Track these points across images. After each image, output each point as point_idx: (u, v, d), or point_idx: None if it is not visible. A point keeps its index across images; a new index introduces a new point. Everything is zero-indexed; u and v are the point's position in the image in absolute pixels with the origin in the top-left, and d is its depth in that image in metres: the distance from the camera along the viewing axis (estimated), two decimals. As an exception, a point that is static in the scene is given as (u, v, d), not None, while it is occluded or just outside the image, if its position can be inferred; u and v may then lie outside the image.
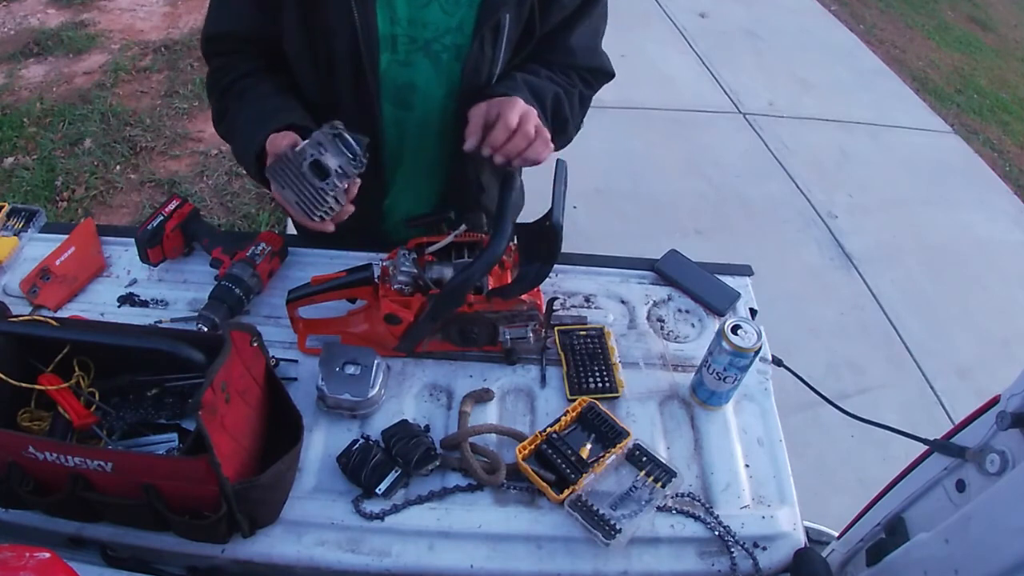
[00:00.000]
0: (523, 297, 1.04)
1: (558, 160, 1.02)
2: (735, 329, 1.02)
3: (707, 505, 0.99)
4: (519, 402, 1.10)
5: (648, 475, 0.98)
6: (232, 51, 1.11)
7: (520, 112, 0.99)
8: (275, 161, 0.93)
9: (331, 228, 0.97)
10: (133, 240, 1.16)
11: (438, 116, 1.13)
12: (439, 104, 1.11)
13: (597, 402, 1.05)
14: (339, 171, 0.91)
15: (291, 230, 2.30)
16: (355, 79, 1.05)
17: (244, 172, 3.09)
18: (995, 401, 0.81)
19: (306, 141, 0.91)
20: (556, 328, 1.17)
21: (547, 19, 1.09)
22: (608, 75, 1.26)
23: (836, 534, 1.07)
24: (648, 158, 3.54)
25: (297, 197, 0.92)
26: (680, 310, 1.26)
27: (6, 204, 1.28)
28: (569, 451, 0.99)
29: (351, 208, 0.97)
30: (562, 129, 1.18)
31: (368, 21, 0.99)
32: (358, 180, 0.95)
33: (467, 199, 1.24)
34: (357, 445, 0.98)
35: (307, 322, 1.11)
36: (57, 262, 1.17)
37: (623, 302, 1.25)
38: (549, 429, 1.01)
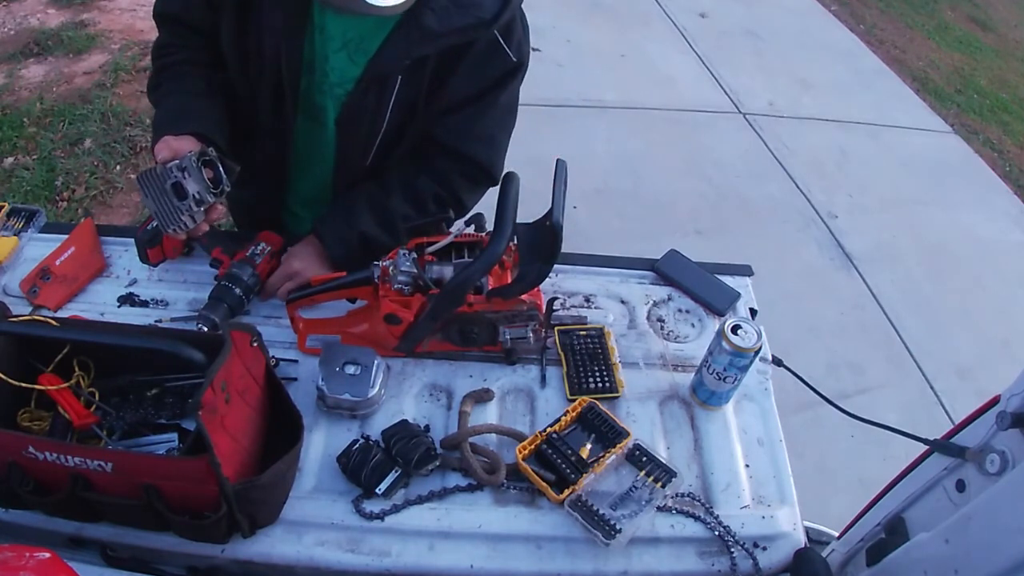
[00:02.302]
0: (523, 297, 1.04)
1: (558, 160, 1.02)
2: (735, 329, 1.02)
3: (707, 505, 0.99)
4: (519, 402, 1.10)
5: (648, 475, 0.98)
6: (176, 33, 1.15)
7: (284, 275, 1.15)
8: (146, 172, 1.01)
9: (183, 237, 1.07)
10: (133, 240, 1.16)
11: (333, 142, 1.19)
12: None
13: (597, 402, 1.05)
14: (196, 196, 1.00)
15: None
16: (275, 95, 1.11)
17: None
18: (995, 401, 0.81)
19: (175, 161, 0.99)
20: (556, 328, 1.17)
21: (439, 95, 1.09)
22: (489, 177, 1.19)
23: (836, 534, 1.07)
24: (648, 158, 3.54)
25: (156, 209, 1.01)
26: (680, 310, 1.26)
27: (6, 204, 1.28)
28: (569, 451, 0.99)
29: (206, 227, 1.06)
30: (379, 248, 1.16)
31: (293, 53, 1.06)
32: (219, 205, 1.05)
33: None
34: (357, 445, 0.98)
35: (307, 322, 1.11)
36: (57, 262, 1.17)
37: (623, 302, 1.25)
38: (549, 429, 1.01)
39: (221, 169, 1.02)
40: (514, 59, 1.09)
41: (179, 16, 1.13)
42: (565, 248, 0.98)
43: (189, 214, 1.01)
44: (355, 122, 1.12)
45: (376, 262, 1.07)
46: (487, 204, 1.07)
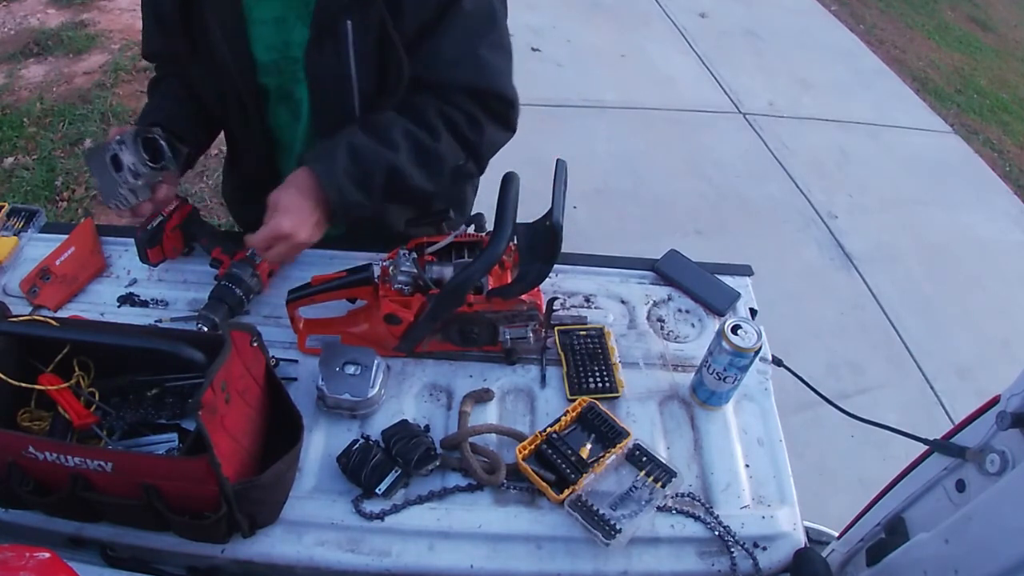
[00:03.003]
0: (523, 297, 1.04)
1: (558, 160, 1.02)
2: (735, 329, 1.02)
3: (707, 505, 0.99)
4: (519, 402, 1.10)
5: (648, 475, 0.98)
6: (162, 64, 1.24)
7: (269, 236, 0.99)
8: (91, 148, 1.07)
9: (128, 218, 1.07)
10: (133, 240, 1.16)
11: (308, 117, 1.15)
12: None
13: (597, 402, 1.05)
14: (131, 168, 1.02)
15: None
16: (239, 102, 1.12)
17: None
18: (995, 401, 0.81)
19: (116, 137, 1.02)
20: (556, 328, 1.17)
21: (402, 24, 1.00)
22: (501, 98, 1.08)
23: (836, 534, 1.07)
24: (648, 158, 3.54)
25: (99, 183, 1.05)
26: (680, 310, 1.26)
27: (6, 204, 1.28)
28: (569, 451, 0.99)
29: (149, 207, 1.07)
30: (408, 196, 1.09)
31: (241, 56, 1.06)
32: (165, 186, 1.07)
33: None
34: (357, 445, 0.98)
35: (307, 322, 1.11)
36: (57, 262, 1.17)
37: (623, 302, 1.25)
38: (549, 429, 1.01)
39: (165, 147, 1.05)
40: None
41: (153, 52, 1.22)
42: (565, 248, 0.98)
43: (128, 188, 1.03)
44: (323, 91, 1.07)
45: (376, 262, 1.07)
46: (487, 204, 1.06)
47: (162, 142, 1.05)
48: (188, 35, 1.07)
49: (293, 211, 1.00)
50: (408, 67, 1.04)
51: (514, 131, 1.15)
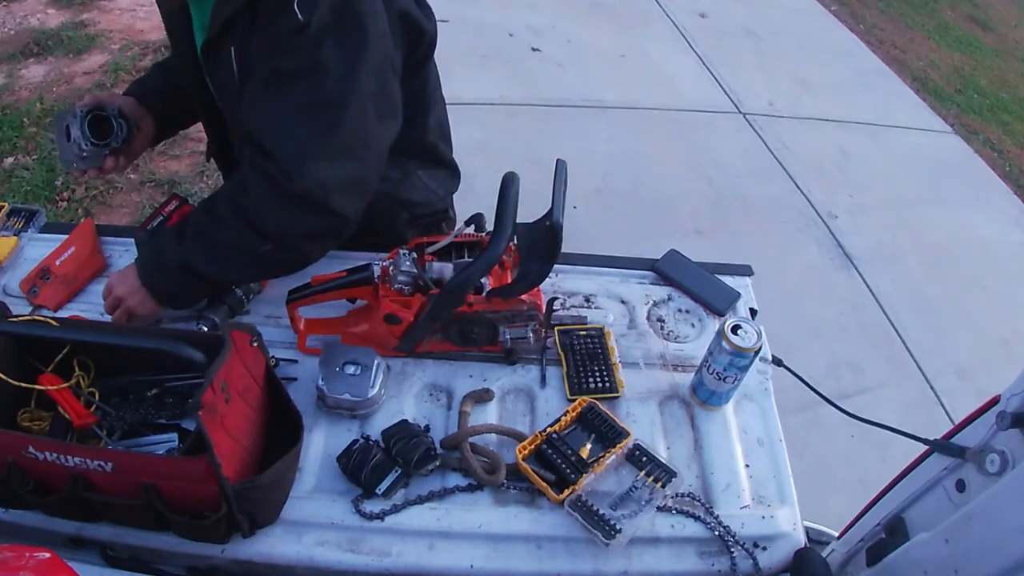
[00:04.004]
0: (523, 297, 1.04)
1: (558, 160, 1.02)
2: (735, 329, 1.02)
3: (707, 505, 0.99)
4: (519, 402, 1.10)
5: (648, 475, 0.98)
6: None
7: (105, 293, 1.09)
8: (57, 115, 1.16)
9: (78, 175, 1.17)
10: (133, 240, 1.16)
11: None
12: None
13: (597, 402, 1.05)
14: (76, 141, 1.12)
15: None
16: (193, 86, 1.16)
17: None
18: (995, 401, 0.81)
19: (74, 109, 1.13)
20: (556, 328, 1.17)
21: (250, 76, 0.97)
22: (275, 167, 0.93)
23: (836, 534, 1.07)
24: (648, 158, 3.54)
25: (58, 146, 1.17)
26: (680, 310, 1.26)
27: (6, 204, 1.28)
28: (569, 451, 0.99)
29: (94, 174, 1.16)
30: (222, 281, 1.09)
31: (181, 41, 1.11)
32: (111, 159, 1.16)
33: None
34: (357, 445, 0.98)
35: (307, 322, 1.11)
36: (57, 262, 1.17)
37: (623, 302, 1.25)
38: (549, 429, 1.01)
39: (114, 125, 1.14)
40: (300, 17, 0.89)
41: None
42: (565, 248, 0.98)
43: (75, 156, 1.13)
44: (224, 98, 1.11)
45: (376, 262, 1.07)
46: (487, 204, 1.06)
47: (114, 121, 1.14)
48: (162, 19, 1.14)
49: (125, 281, 1.07)
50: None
51: (343, 221, 0.99)
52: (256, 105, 0.96)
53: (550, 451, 0.99)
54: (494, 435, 1.03)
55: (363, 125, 0.97)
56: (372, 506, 0.94)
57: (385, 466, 0.96)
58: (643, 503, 0.96)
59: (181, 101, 1.23)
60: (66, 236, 1.22)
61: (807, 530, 1.01)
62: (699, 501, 0.99)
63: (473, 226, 1.11)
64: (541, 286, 1.05)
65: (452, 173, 1.36)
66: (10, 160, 2.95)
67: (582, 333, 1.17)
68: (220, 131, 1.23)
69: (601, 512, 0.94)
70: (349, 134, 0.96)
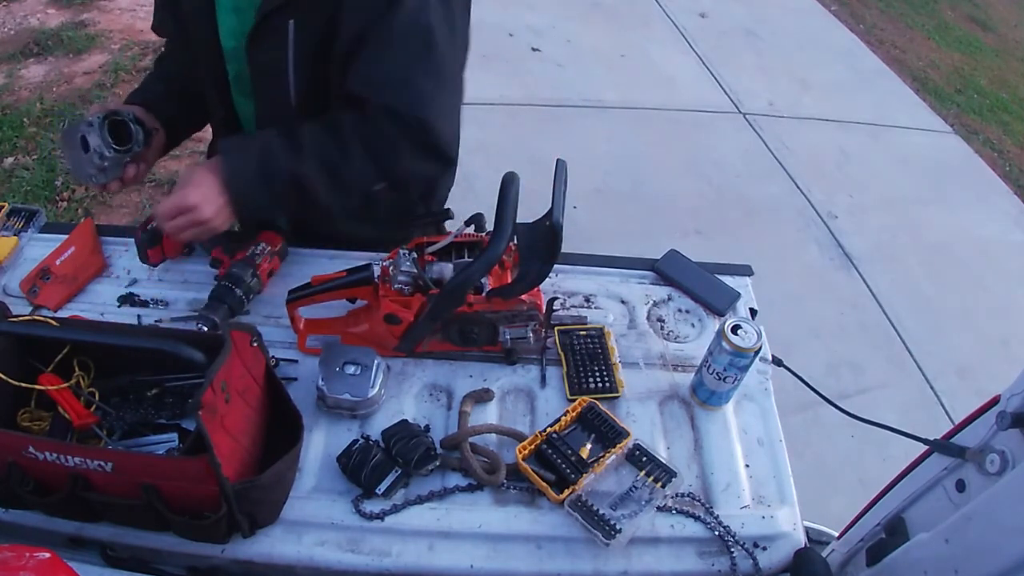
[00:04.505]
0: (523, 297, 1.04)
1: (558, 160, 1.02)
2: (735, 329, 1.02)
3: (707, 505, 0.99)
4: (519, 402, 1.10)
5: (648, 475, 0.98)
6: (165, 42, 1.30)
7: (174, 207, 1.00)
8: (66, 128, 1.10)
9: (100, 191, 1.16)
10: (133, 240, 1.16)
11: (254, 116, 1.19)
12: None
13: (597, 402, 1.05)
14: (96, 150, 1.06)
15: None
16: (213, 83, 1.16)
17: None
18: (995, 401, 0.81)
19: (86, 119, 1.07)
20: (556, 328, 1.17)
21: (340, 33, 0.99)
22: (425, 127, 1.01)
23: (836, 534, 1.07)
24: (648, 158, 3.54)
25: (71, 163, 1.10)
26: (680, 310, 1.26)
27: (6, 204, 1.28)
28: (569, 451, 0.99)
29: (116, 186, 1.11)
30: (314, 208, 1.06)
31: (208, 40, 1.09)
32: (133, 166, 1.11)
33: None
34: (357, 445, 0.98)
35: (307, 322, 1.11)
36: (57, 262, 1.17)
37: (623, 302, 1.25)
38: (549, 429, 1.01)
39: (132, 129, 1.09)
40: None
41: (155, 28, 1.24)
42: (565, 248, 0.98)
43: (95, 167, 1.07)
44: (264, 85, 1.08)
45: (376, 262, 1.07)
46: (487, 204, 1.06)
47: (132, 126, 1.09)
48: (175, 17, 1.12)
49: (202, 186, 1.00)
50: (341, 78, 1.03)
51: (449, 162, 1.09)
52: (364, 70, 1.00)
53: (550, 451, 0.99)
54: (494, 435, 1.03)
55: (461, 73, 1.10)
56: (372, 506, 0.94)
57: (385, 466, 0.96)
58: (643, 503, 0.96)
59: (186, 106, 1.22)
60: (66, 236, 1.22)
61: (807, 530, 1.01)
62: (699, 501, 0.99)
63: (473, 226, 1.11)
64: (541, 286, 1.05)
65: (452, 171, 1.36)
66: (10, 160, 2.95)
67: (582, 333, 1.17)
68: (232, 128, 1.22)
69: (601, 512, 0.94)
70: (455, 84, 1.08)
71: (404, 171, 1.06)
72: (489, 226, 1.03)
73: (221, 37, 1.09)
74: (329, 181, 1.02)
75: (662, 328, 1.23)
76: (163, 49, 1.33)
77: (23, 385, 0.89)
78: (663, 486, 0.97)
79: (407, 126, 1.01)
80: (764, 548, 0.96)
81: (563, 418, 1.03)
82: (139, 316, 1.13)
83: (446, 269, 1.05)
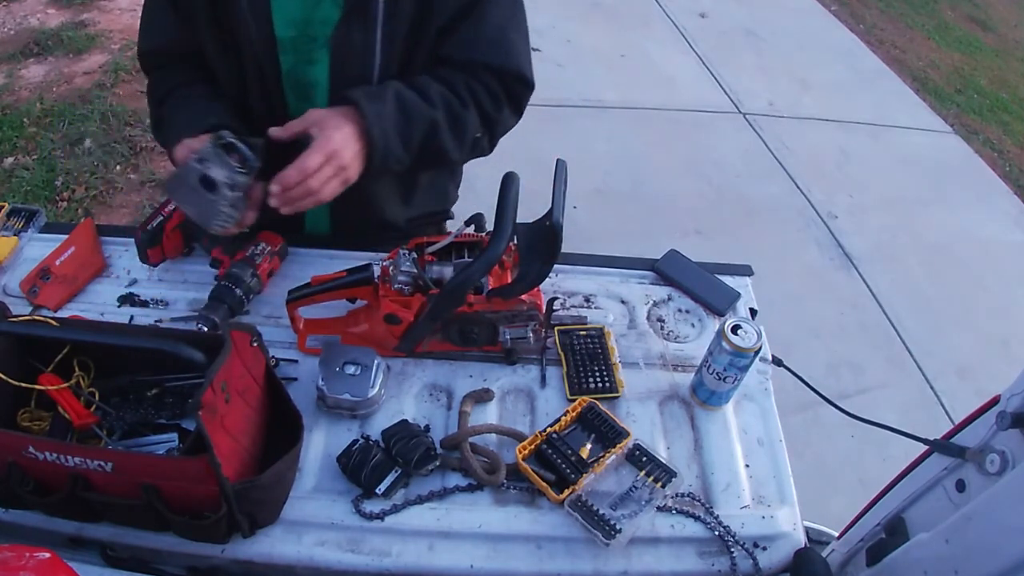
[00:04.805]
0: (523, 297, 1.04)
1: (558, 160, 1.02)
2: (735, 329, 1.02)
3: (707, 505, 0.99)
4: (519, 402, 1.10)
5: (648, 475, 0.98)
6: (164, 65, 1.16)
7: (325, 153, 0.94)
8: (171, 177, 0.98)
9: (236, 231, 1.01)
10: (133, 240, 1.16)
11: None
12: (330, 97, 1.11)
13: (597, 402, 1.05)
14: (227, 183, 0.94)
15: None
16: (261, 84, 1.08)
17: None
18: (995, 401, 0.81)
19: (193, 156, 0.95)
20: (556, 328, 1.17)
21: (434, 10, 1.02)
22: (521, 79, 1.11)
23: (836, 534, 1.07)
24: (648, 158, 3.54)
25: (195, 210, 0.97)
26: (680, 310, 1.26)
27: (6, 204, 1.28)
28: (569, 451, 0.99)
29: (253, 215, 1.01)
30: (434, 158, 1.09)
31: (264, 30, 1.03)
32: (258, 185, 0.98)
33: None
34: (357, 445, 0.98)
35: (307, 322, 1.11)
36: (57, 262, 1.17)
37: (623, 302, 1.25)
38: (549, 429, 1.01)
39: (244, 147, 0.96)
40: None
41: (161, 46, 1.14)
42: (565, 248, 0.98)
43: (228, 204, 0.95)
44: (344, 69, 1.06)
45: (376, 262, 1.07)
46: (487, 204, 1.06)
47: (239, 144, 0.96)
48: (212, 16, 1.04)
49: (340, 131, 0.96)
50: (433, 48, 1.06)
51: (521, 116, 1.18)
52: (468, 35, 1.05)
53: (550, 451, 0.99)
54: (494, 435, 1.03)
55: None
56: (372, 506, 0.94)
57: (385, 466, 0.96)
58: (643, 503, 0.96)
59: (237, 113, 1.12)
60: (66, 236, 1.22)
61: (807, 530, 1.01)
62: (699, 501, 0.99)
63: (473, 226, 1.11)
64: (541, 286, 1.05)
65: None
66: (10, 160, 2.96)
67: (582, 333, 1.17)
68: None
69: (601, 512, 0.94)
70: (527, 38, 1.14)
71: (500, 121, 1.13)
72: (489, 226, 1.03)
73: (276, 28, 1.04)
74: (453, 129, 1.06)
75: (662, 328, 1.23)
76: (151, 77, 1.18)
77: (23, 385, 0.89)
78: (663, 486, 0.97)
79: (510, 81, 1.10)
80: (764, 548, 0.96)
81: (563, 418, 1.03)
82: (131, 316, 1.13)
83: (446, 269, 1.05)
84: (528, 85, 1.13)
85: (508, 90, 1.11)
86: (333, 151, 0.95)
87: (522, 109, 1.17)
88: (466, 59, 1.07)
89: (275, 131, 0.99)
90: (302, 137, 0.98)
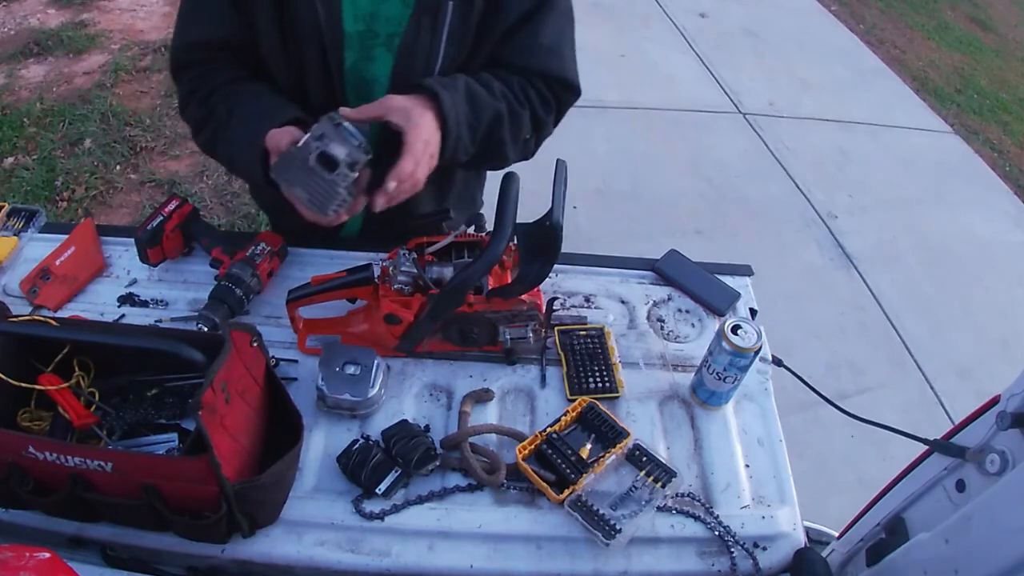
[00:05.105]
0: (523, 297, 1.04)
1: (558, 160, 1.02)
2: (735, 329, 1.02)
3: (707, 505, 0.99)
4: (519, 402, 1.10)
5: (648, 475, 0.98)
6: (208, 60, 1.09)
7: (424, 142, 0.94)
8: (279, 160, 0.90)
9: (345, 218, 0.95)
10: (133, 240, 1.16)
11: None
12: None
13: (597, 402, 1.05)
14: (348, 159, 0.88)
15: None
16: (324, 78, 1.06)
17: (244, 172, 3.07)
18: (995, 401, 0.81)
19: (307, 135, 0.89)
20: (556, 328, 1.17)
21: (497, 16, 1.04)
22: (571, 88, 1.14)
23: (836, 534, 1.07)
24: (648, 158, 3.54)
25: (308, 194, 0.90)
26: (680, 310, 1.26)
27: (6, 204, 1.28)
28: (569, 451, 0.99)
29: (364, 199, 0.95)
30: (493, 152, 1.09)
31: (333, 22, 1.00)
32: (368, 169, 0.94)
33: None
34: (357, 445, 0.98)
35: (307, 322, 1.11)
36: (57, 262, 1.17)
37: (623, 302, 1.25)
38: (549, 429, 1.01)
39: (353, 128, 0.90)
40: None
41: (212, 38, 1.06)
42: (565, 248, 0.98)
43: (345, 185, 0.89)
44: (409, 66, 1.04)
45: (376, 262, 1.07)
46: (487, 204, 1.06)
47: (350, 126, 0.89)
48: (274, 7, 1.00)
49: (426, 115, 0.95)
50: (491, 51, 1.08)
51: (558, 124, 1.20)
52: (526, 41, 1.07)
53: (550, 451, 0.99)
54: (494, 435, 1.03)
55: None
56: (372, 506, 0.94)
57: (385, 466, 0.96)
58: (643, 503, 0.96)
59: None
60: (66, 236, 1.22)
61: (807, 530, 1.01)
62: (699, 501, 0.99)
63: (473, 226, 1.11)
64: (541, 286, 1.05)
65: None
66: (10, 160, 2.95)
67: (582, 333, 1.17)
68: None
69: (601, 512, 0.94)
70: None
71: (547, 126, 1.15)
72: (489, 226, 1.03)
73: (344, 22, 1.01)
74: (512, 125, 1.08)
75: (662, 328, 1.23)
76: (188, 74, 1.10)
77: (23, 385, 0.89)
78: (663, 486, 0.97)
79: (560, 90, 1.12)
80: (764, 548, 0.96)
81: (563, 418, 1.03)
82: (123, 315, 1.13)
83: (446, 269, 1.05)
84: (577, 94, 1.15)
85: (557, 97, 1.13)
86: (427, 140, 0.95)
87: (562, 117, 1.18)
88: (523, 65, 1.09)
89: (348, 112, 0.93)
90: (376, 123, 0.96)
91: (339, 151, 0.88)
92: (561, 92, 1.14)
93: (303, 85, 1.07)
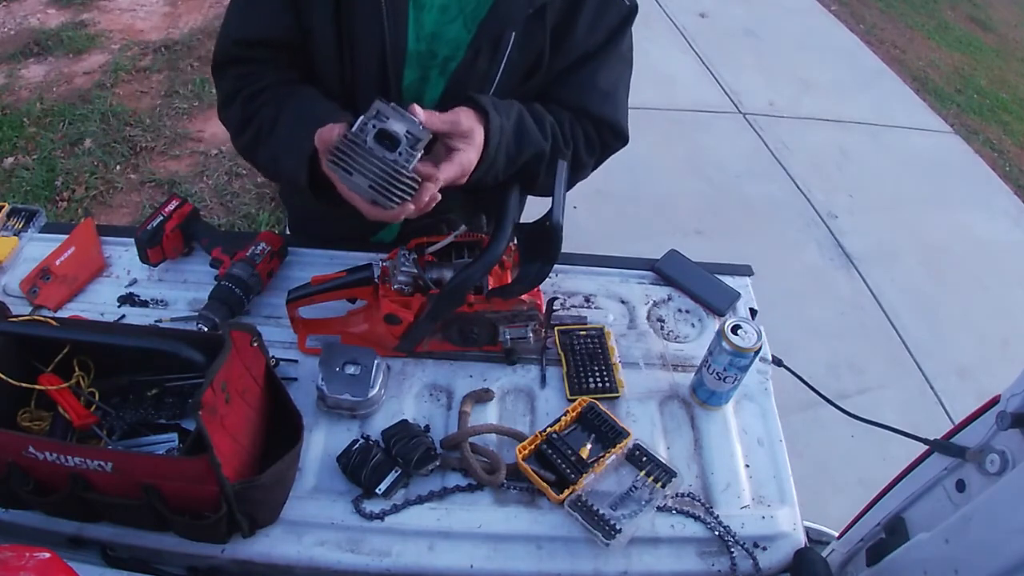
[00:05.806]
0: (523, 297, 1.04)
1: (558, 160, 1.02)
2: (735, 329, 1.02)
3: (707, 505, 0.99)
4: (519, 402, 1.10)
5: (648, 475, 0.98)
6: (257, 59, 1.04)
7: (468, 161, 0.91)
8: (333, 147, 0.81)
9: (411, 209, 0.86)
10: (133, 240, 1.16)
11: None
12: None
13: (597, 402, 1.05)
14: (409, 136, 0.81)
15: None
16: (379, 94, 0.98)
17: (244, 172, 3.07)
18: (995, 401, 0.81)
19: (366, 115, 0.81)
20: (556, 328, 1.17)
21: (559, 52, 1.03)
22: (620, 135, 1.14)
23: (836, 534, 1.07)
24: (648, 158, 3.54)
25: (370, 180, 0.81)
26: (680, 310, 1.26)
27: (6, 204, 1.28)
28: (569, 451, 0.99)
29: (433, 189, 0.86)
30: (524, 184, 1.07)
31: (398, 40, 0.99)
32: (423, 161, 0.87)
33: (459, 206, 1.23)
34: (357, 445, 0.98)
35: (307, 322, 1.11)
36: (57, 262, 1.17)
37: (623, 302, 1.25)
38: (549, 429, 1.01)
39: (410, 115, 0.83)
40: (628, 3, 1.04)
41: (265, 37, 1.02)
42: (565, 248, 0.98)
43: (409, 165, 0.81)
44: (460, 93, 0.99)
45: (376, 262, 1.07)
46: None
47: (406, 113, 0.83)
48: (335, 15, 0.97)
49: (478, 132, 0.92)
50: (545, 86, 1.07)
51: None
52: (584, 81, 1.07)
53: (550, 451, 0.99)
54: (494, 435, 1.03)
55: None
56: (372, 506, 0.94)
57: (385, 466, 0.96)
58: (643, 503, 0.96)
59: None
60: (66, 236, 1.22)
61: (807, 530, 1.01)
62: (699, 501, 0.99)
63: (473, 226, 1.11)
64: (541, 286, 1.05)
65: None
66: (10, 160, 2.95)
67: (582, 333, 1.17)
68: None
69: (601, 512, 0.94)
70: None
71: (586, 167, 1.16)
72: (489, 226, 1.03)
73: (409, 39, 0.99)
74: (550, 164, 1.05)
75: (662, 328, 1.23)
76: (234, 71, 1.06)
77: (23, 385, 0.89)
78: (663, 486, 0.97)
79: (608, 132, 1.12)
80: (764, 548, 0.96)
81: (563, 418, 1.03)
82: (123, 315, 1.13)
83: (446, 269, 1.05)
84: (624, 142, 1.15)
85: (604, 142, 1.13)
86: (472, 160, 0.92)
87: (603, 162, 1.18)
88: (576, 104, 1.08)
89: (425, 116, 0.85)
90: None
91: (399, 127, 0.80)
92: (609, 137, 1.13)
93: (353, 97, 1.04)
